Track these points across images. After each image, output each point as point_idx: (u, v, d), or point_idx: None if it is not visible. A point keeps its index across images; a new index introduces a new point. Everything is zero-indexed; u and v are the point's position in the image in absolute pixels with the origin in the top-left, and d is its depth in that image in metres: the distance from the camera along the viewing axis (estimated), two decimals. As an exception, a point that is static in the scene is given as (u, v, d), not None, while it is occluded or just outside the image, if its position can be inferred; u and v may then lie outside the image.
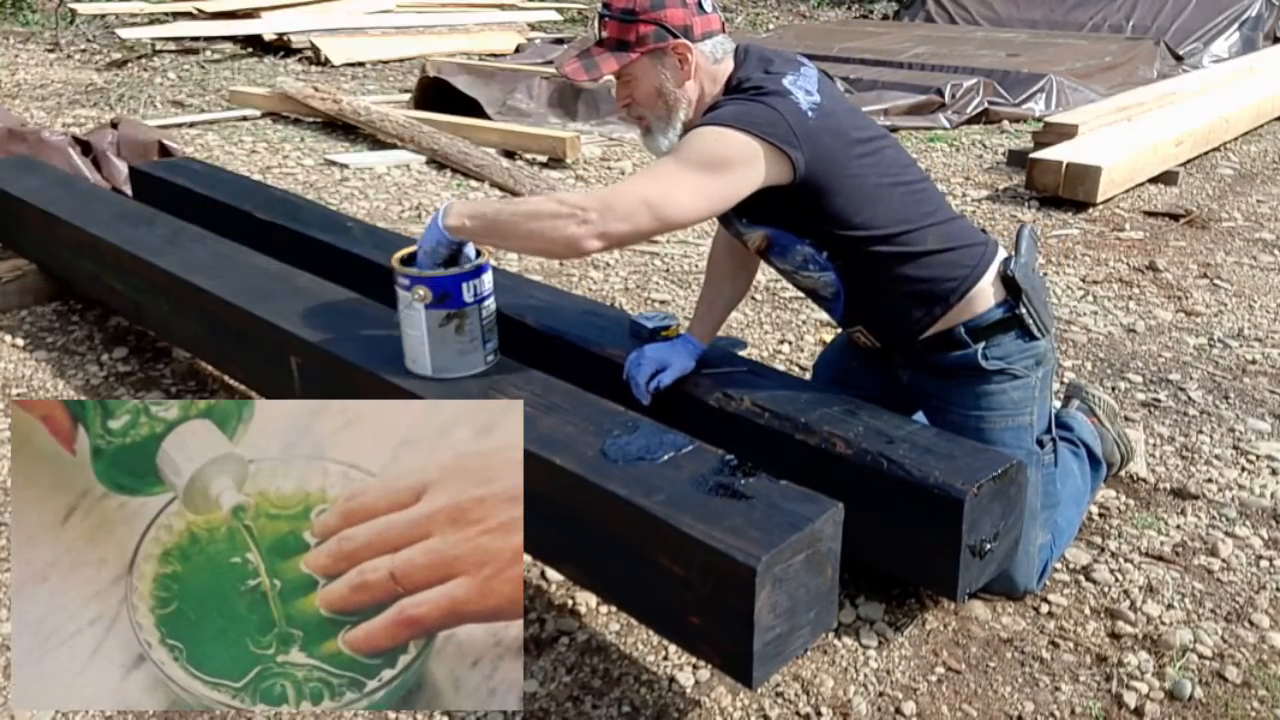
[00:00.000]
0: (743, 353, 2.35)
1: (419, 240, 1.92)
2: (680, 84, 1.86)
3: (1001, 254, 1.99)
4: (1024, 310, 1.94)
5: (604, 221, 1.72)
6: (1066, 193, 4.68)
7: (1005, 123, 6.45)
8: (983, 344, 1.94)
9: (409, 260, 1.97)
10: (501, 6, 10.56)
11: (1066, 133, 5.32)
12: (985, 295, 1.94)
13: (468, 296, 1.91)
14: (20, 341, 3.17)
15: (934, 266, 1.92)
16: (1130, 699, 1.80)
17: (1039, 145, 5.31)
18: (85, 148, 4.22)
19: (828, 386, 2.13)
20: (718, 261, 2.20)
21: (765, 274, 3.82)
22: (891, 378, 2.10)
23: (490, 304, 1.98)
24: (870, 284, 1.95)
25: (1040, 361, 1.99)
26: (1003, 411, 1.97)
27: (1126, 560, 2.17)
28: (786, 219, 1.89)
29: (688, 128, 1.86)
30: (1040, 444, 2.02)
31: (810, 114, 1.80)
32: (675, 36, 1.83)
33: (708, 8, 1.87)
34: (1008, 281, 1.94)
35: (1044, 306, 1.98)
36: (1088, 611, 2.02)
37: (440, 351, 1.95)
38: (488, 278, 1.95)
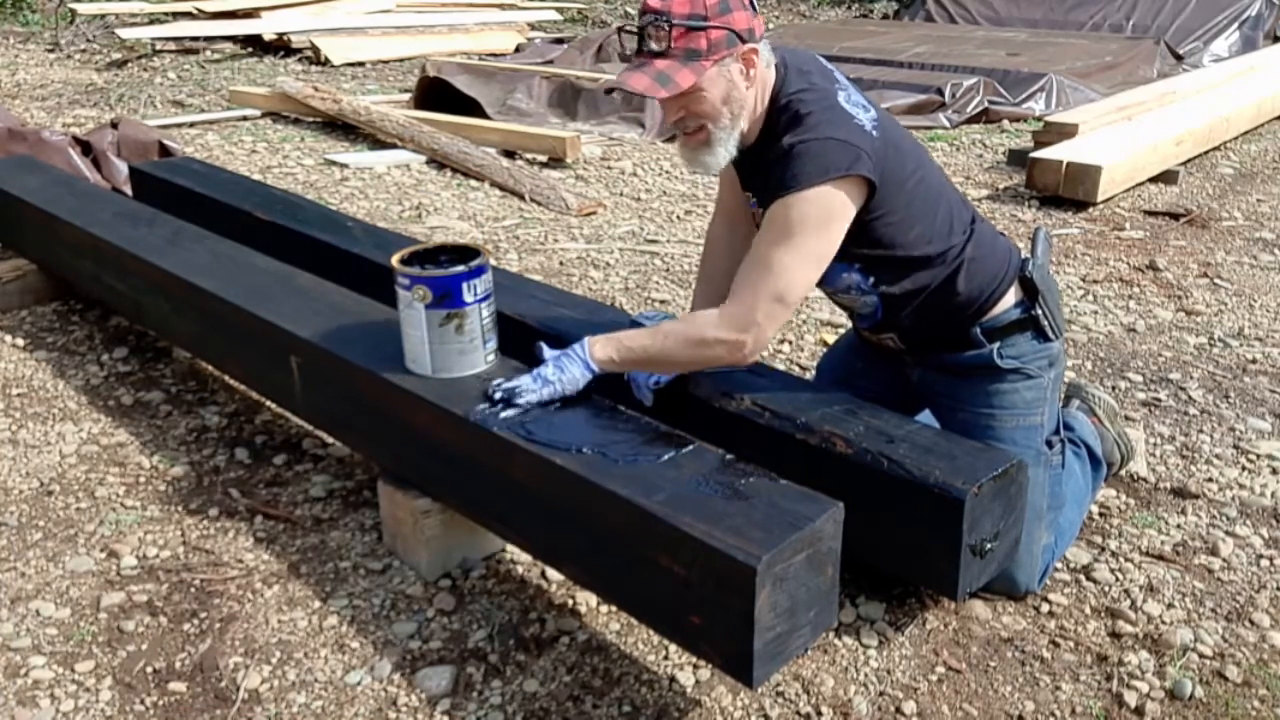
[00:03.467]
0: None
1: (546, 367, 1.86)
2: (744, 91, 1.78)
3: (1018, 256, 2.00)
4: (1040, 312, 1.94)
5: (753, 340, 1.77)
6: (1067, 192, 4.68)
7: (1005, 122, 6.45)
8: (998, 344, 1.95)
9: (409, 260, 1.97)
10: (501, 6, 10.55)
11: (1067, 132, 5.32)
12: (1005, 297, 1.95)
13: (468, 296, 1.91)
14: (20, 341, 3.17)
15: (970, 278, 1.92)
16: (1131, 698, 1.79)
17: (1039, 145, 5.31)
18: (85, 148, 4.22)
19: (831, 386, 2.13)
20: (714, 264, 2.17)
21: (765, 273, 3.82)
22: (899, 377, 2.10)
23: (490, 304, 1.98)
24: (911, 301, 1.93)
25: (1053, 363, 1.99)
26: (1014, 411, 1.97)
27: (1127, 560, 2.16)
28: (840, 247, 1.83)
29: (743, 139, 1.82)
30: (1049, 445, 2.02)
31: (875, 133, 1.78)
32: (743, 41, 1.74)
33: (756, 8, 1.81)
34: (1025, 283, 1.95)
35: (1058, 309, 1.98)
36: (1088, 611, 2.02)
37: (440, 351, 1.95)
38: (488, 278, 1.95)
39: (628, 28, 1.80)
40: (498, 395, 1.85)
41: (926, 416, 2.12)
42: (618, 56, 2.02)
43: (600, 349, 1.84)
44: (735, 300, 1.78)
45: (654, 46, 1.72)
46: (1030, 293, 1.95)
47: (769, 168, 1.79)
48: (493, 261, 2.02)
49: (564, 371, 1.84)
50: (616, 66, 7.45)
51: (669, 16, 1.70)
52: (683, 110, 1.78)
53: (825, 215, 1.73)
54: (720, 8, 1.72)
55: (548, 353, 1.89)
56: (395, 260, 1.95)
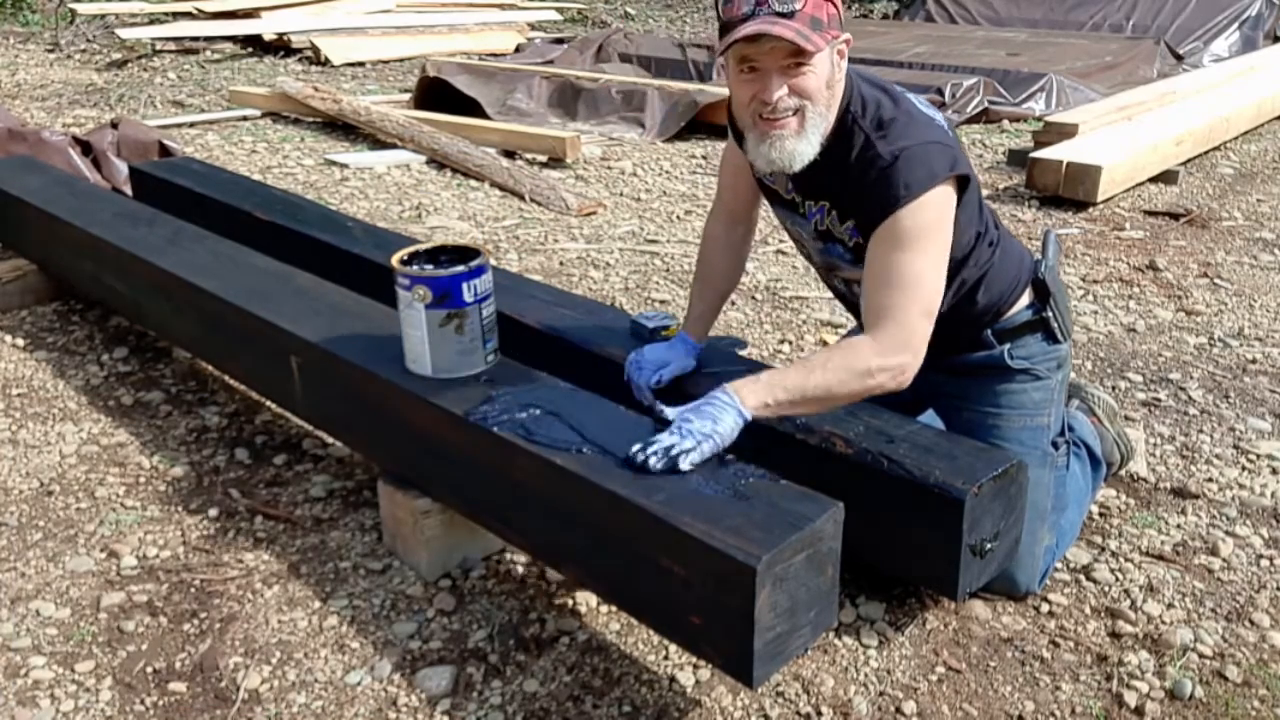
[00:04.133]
0: (743, 353, 2.35)
1: (694, 421, 1.66)
2: (836, 82, 1.70)
3: (1031, 258, 1.99)
4: (1051, 314, 1.94)
5: (913, 360, 1.69)
6: (1067, 192, 4.68)
7: (1005, 122, 6.45)
8: (1008, 344, 1.94)
9: (409, 260, 1.97)
10: (501, 6, 10.55)
11: (1067, 132, 5.32)
12: (1020, 299, 1.95)
13: (468, 296, 1.91)
14: (21, 341, 3.17)
15: (990, 284, 1.91)
16: (1131, 698, 1.79)
17: (1039, 145, 5.31)
18: (85, 148, 4.22)
19: None
20: (711, 262, 2.16)
21: (765, 274, 3.82)
22: None
23: (490, 304, 1.97)
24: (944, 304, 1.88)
25: (1061, 365, 1.99)
26: (1022, 411, 1.96)
27: (1127, 560, 2.16)
28: None
29: (823, 136, 1.73)
30: (1054, 446, 2.02)
31: (952, 133, 1.76)
32: (842, 30, 1.67)
33: None
34: (1038, 285, 1.94)
35: (1067, 311, 1.98)
36: (1088, 611, 2.02)
37: (440, 351, 1.94)
38: (488, 278, 1.95)
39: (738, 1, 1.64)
40: (658, 463, 1.62)
41: (929, 417, 2.12)
42: (729, 27, 1.75)
43: (752, 395, 1.67)
44: (887, 324, 1.69)
45: (779, 7, 1.59)
46: (1042, 295, 1.94)
47: (860, 178, 1.72)
48: (492, 261, 2.01)
49: (718, 423, 1.65)
50: (617, 66, 7.45)
51: None
52: (786, 86, 1.65)
53: (941, 217, 1.70)
54: None
55: (671, 412, 1.71)
56: (395, 260, 1.95)
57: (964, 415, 1.99)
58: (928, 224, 1.68)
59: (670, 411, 1.71)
